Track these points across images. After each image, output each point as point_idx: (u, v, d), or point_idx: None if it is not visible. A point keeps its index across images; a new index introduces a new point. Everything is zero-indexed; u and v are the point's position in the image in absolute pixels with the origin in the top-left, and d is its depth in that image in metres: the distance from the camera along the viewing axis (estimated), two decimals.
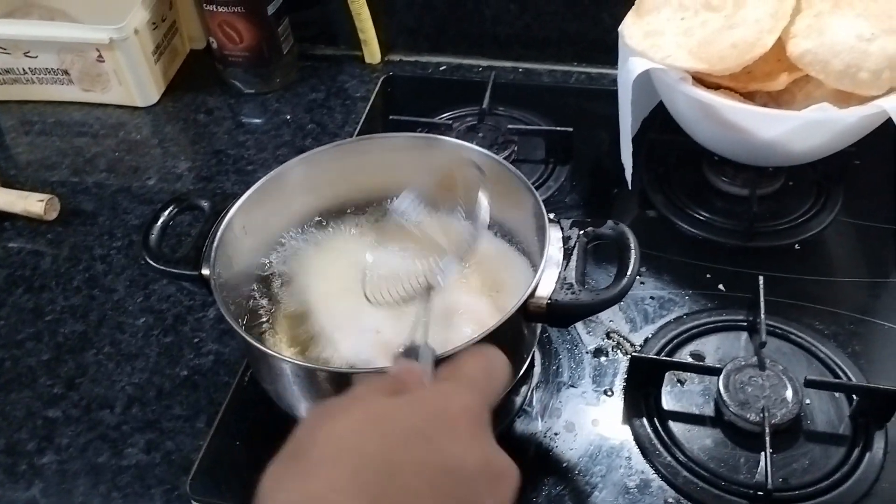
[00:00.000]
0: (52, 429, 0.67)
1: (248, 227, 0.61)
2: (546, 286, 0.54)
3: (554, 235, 0.57)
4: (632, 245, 0.55)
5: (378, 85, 0.98)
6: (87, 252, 0.81)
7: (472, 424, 0.37)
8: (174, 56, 1.01)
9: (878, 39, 0.63)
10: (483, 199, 0.54)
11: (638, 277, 0.72)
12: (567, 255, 0.56)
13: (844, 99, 0.67)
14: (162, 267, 0.59)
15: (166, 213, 0.62)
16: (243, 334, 0.51)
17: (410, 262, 0.59)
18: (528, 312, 0.54)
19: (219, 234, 0.58)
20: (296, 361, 0.51)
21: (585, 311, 0.56)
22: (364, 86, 0.98)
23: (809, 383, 0.61)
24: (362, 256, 0.62)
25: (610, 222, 0.58)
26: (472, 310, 0.59)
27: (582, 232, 0.57)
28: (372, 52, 1.00)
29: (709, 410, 0.63)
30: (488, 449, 0.37)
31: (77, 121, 0.98)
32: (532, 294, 0.53)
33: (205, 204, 0.62)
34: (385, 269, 0.58)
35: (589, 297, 0.53)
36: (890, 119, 0.65)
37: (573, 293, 0.54)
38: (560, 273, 0.55)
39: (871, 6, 0.66)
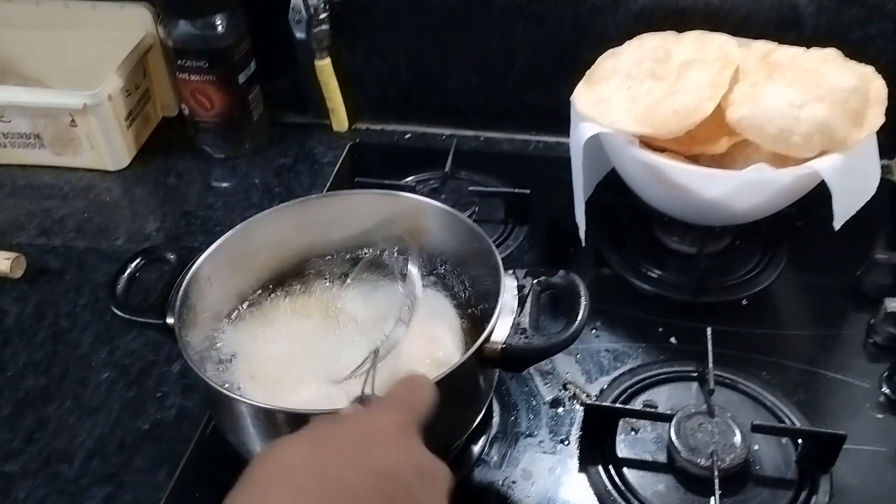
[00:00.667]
0: (8, 483, 0.67)
1: (214, 279, 0.63)
2: (501, 332, 0.56)
3: (509, 284, 0.59)
4: (581, 293, 0.58)
5: (345, 151, 1.02)
6: (51, 308, 0.82)
7: (400, 434, 0.42)
8: (146, 122, 1.04)
9: (808, 106, 0.68)
10: (413, 269, 0.61)
11: (593, 331, 0.76)
12: (521, 302, 0.58)
13: (781, 161, 0.71)
14: (127, 316, 0.60)
15: (133, 264, 0.63)
16: (204, 377, 0.53)
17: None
18: (483, 357, 0.56)
19: (184, 284, 0.60)
20: (255, 403, 0.53)
21: (538, 355, 0.58)
22: (331, 151, 1.02)
23: (756, 428, 0.63)
24: (323, 311, 0.64)
25: (561, 272, 0.60)
26: (432, 358, 0.61)
27: (535, 281, 0.60)
28: (340, 120, 1.04)
29: (661, 457, 0.65)
30: (418, 453, 0.42)
31: (47, 184, 0.99)
32: (487, 339, 0.55)
33: (171, 256, 0.64)
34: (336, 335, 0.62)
35: (542, 342, 0.56)
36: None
37: (527, 338, 0.56)
38: (514, 319, 0.57)
39: (801, 76, 0.71)
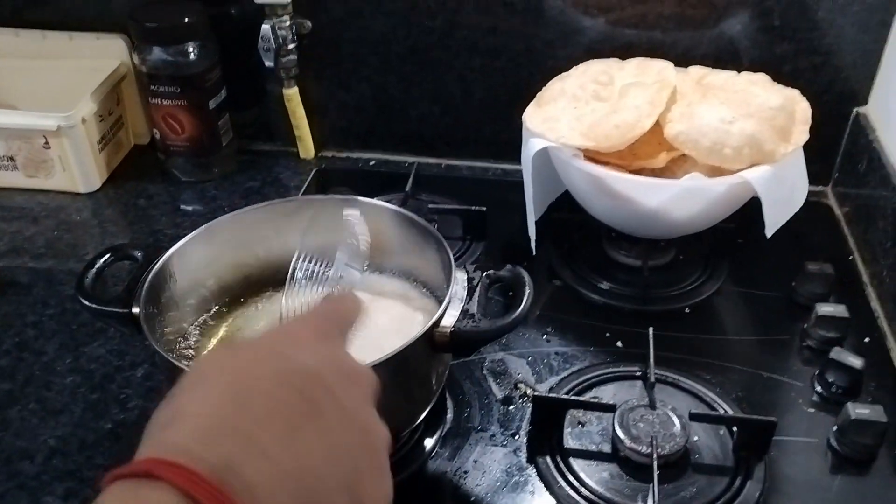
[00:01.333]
0: None
1: (180, 275, 0.66)
2: (450, 318, 0.60)
3: (460, 276, 0.63)
4: (526, 282, 0.61)
5: (311, 175, 1.06)
6: (19, 319, 0.84)
7: (320, 338, 0.42)
8: (118, 148, 1.07)
9: (738, 122, 0.74)
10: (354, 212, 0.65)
11: (544, 336, 0.79)
12: (471, 292, 0.62)
13: (717, 174, 0.76)
14: (94, 305, 0.63)
15: (102, 259, 0.66)
16: (166, 356, 0.55)
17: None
18: (434, 341, 0.59)
19: (150, 276, 0.63)
20: None
21: (485, 338, 0.61)
22: (298, 176, 1.06)
23: (694, 416, 0.67)
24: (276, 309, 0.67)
25: (508, 266, 0.64)
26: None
27: (484, 274, 0.64)
28: (306, 148, 1.09)
29: (606, 447, 0.68)
30: (339, 355, 0.42)
31: (19, 205, 1.02)
32: (437, 323, 0.59)
33: (138, 254, 0.67)
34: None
35: (488, 325, 0.59)
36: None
37: (474, 322, 0.59)
38: (463, 307, 0.61)
39: (732, 96, 0.77)
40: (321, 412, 0.38)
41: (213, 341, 0.66)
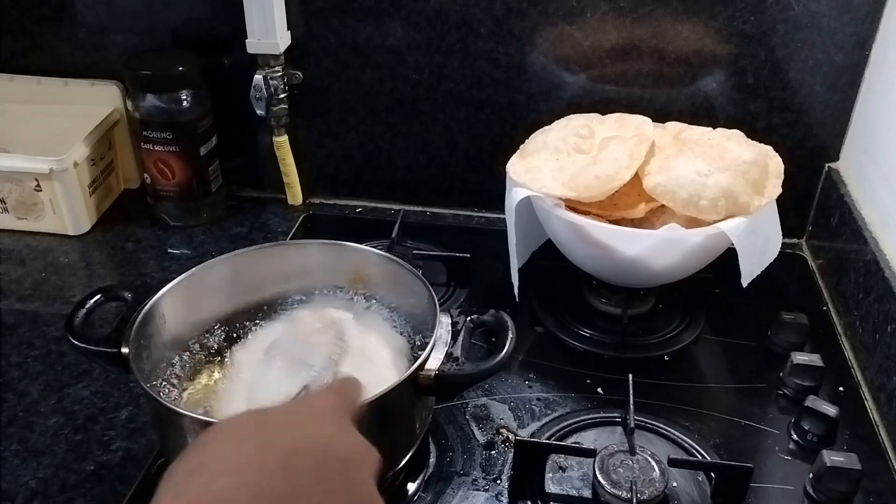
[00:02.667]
0: None
1: (169, 316, 0.67)
2: (435, 361, 0.61)
3: (444, 320, 0.65)
4: (509, 326, 0.63)
5: (299, 221, 1.08)
6: (3, 360, 0.84)
7: (334, 416, 0.46)
8: (108, 192, 1.09)
9: (713, 175, 0.77)
10: (347, 315, 0.68)
11: (526, 382, 0.81)
12: (455, 336, 0.64)
13: (694, 225, 0.79)
14: (83, 345, 0.64)
15: (92, 300, 0.67)
16: (153, 394, 0.56)
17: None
18: (418, 384, 0.60)
19: (140, 317, 0.64)
20: (201, 417, 0.56)
21: (469, 381, 0.63)
22: (286, 222, 1.08)
23: (673, 462, 0.68)
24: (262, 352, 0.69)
25: (492, 310, 0.66)
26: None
27: (468, 318, 0.65)
28: (294, 194, 1.11)
29: (587, 492, 0.69)
30: (351, 432, 0.45)
31: (7, 247, 1.02)
32: (422, 366, 0.60)
33: (128, 295, 0.68)
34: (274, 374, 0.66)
35: (472, 368, 0.61)
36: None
37: (458, 366, 0.61)
38: (448, 350, 0.62)
39: (707, 150, 0.80)
40: (332, 486, 0.41)
41: (202, 381, 0.67)
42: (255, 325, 0.73)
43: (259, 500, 0.37)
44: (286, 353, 0.67)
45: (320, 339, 0.67)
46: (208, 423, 0.56)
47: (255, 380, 0.65)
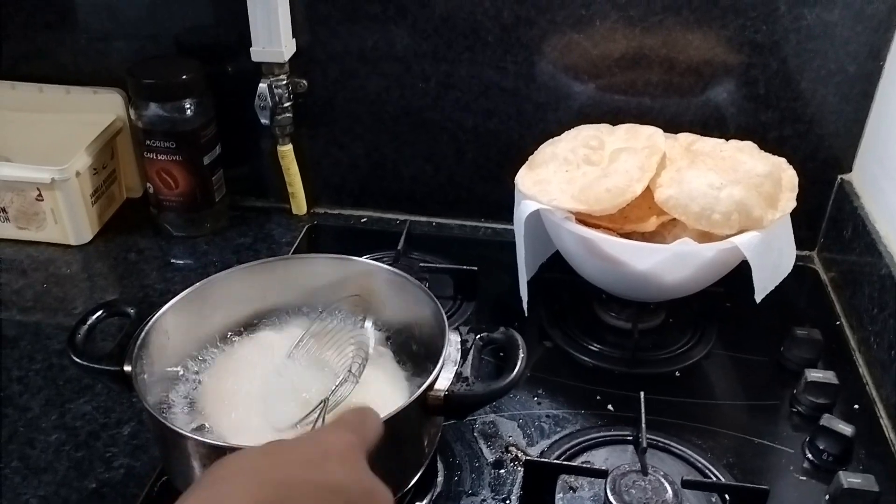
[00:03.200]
0: None
1: (172, 332, 0.66)
2: (444, 381, 0.60)
3: (453, 339, 0.63)
4: (520, 345, 0.62)
5: (303, 231, 1.06)
6: (3, 373, 0.83)
7: (350, 454, 0.44)
8: (111, 202, 1.08)
9: (726, 188, 0.76)
10: (368, 325, 0.64)
11: (535, 398, 0.79)
12: (464, 355, 0.62)
13: (706, 239, 0.78)
14: (85, 363, 0.62)
15: (94, 316, 0.66)
16: (157, 416, 0.55)
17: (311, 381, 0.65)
18: (427, 404, 0.59)
19: (143, 334, 0.63)
20: (205, 440, 0.54)
21: (479, 402, 0.61)
22: (290, 233, 1.07)
23: (686, 484, 0.66)
24: (270, 364, 0.67)
25: (501, 328, 0.65)
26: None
27: (478, 336, 0.64)
28: (299, 204, 1.09)
29: None
30: (365, 473, 0.44)
31: (8, 257, 1.01)
32: (431, 386, 0.59)
33: (131, 310, 0.67)
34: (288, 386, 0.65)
35: (482, 388, 0.59)
36: (749, 264, 0.76)
37: (468, 386, 0.59)
38: (457, 370, 0.61)
39: (720, 163, 0.79)
40: None
41: (208, 400, 0.65)
42: (261, 338, 0.71)
43: None
44: (310, 353, 0.66)
45: (345, 346, 0.66)
46: (212, 447, 0.55)
47: (272, 381, 0.64)
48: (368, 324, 0.65)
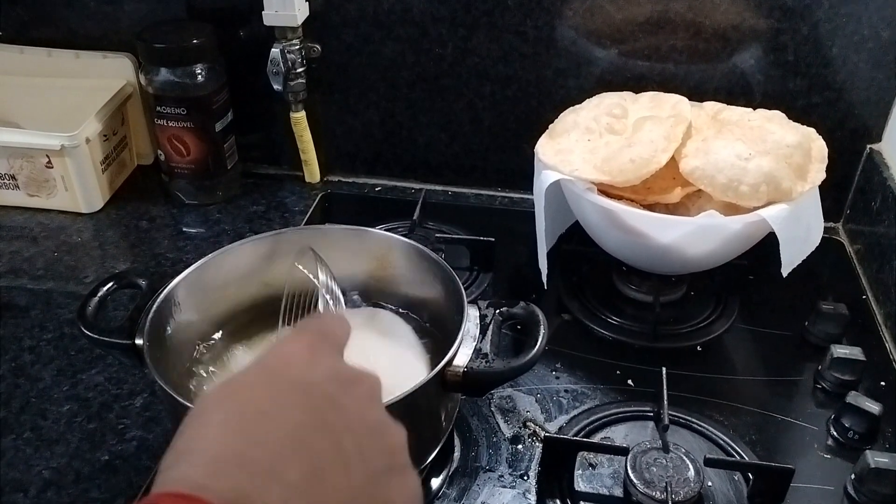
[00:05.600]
0: None
1: (185, 305, 0.64)
2: (463, 357, 0.58)
3: (472, 313, 0.62)
4: (541, 321, 0.60)
5: (316, 200, 1.04)
6: (15, 343, 0.82)
7: (311, 352, 0.41)
8: (122, 168, 1.06)
9: (755, 159, 0.73)
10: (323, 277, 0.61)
11: (553, 372, 0.78)
12: (483, 330, 0.61)
13: (732, 211, 0.75)
14: (96, 336, 0.61)
15: (105, 288, 0.64)
16: (169, 391, 0.53)
17: None
18: (445, 380, 0.57)
19: (155, 306, 0.61)
20: None
21: (499, 379, 0.60)
22: (303, 201, 1.05)
23: (709, 462, 0.65)
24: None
25: (522, 303, 0.63)
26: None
27: (497, 311, 0.62)
28: (312, 172, 1.07)
29: (618, 491, 0.66)
30: (333, 365, 0.41)
31: (19, 224, 1.00)
32: (449, 363, 0.57)
33: (143, 282, 0.65)
34: None
35: (502, 366, 0.58)
36: (776, 237, 0.74)
37: (487, 362, 0.58)
38: (476, 345, 0.59)
39: (748, 132, 0.76)
40: (326, 423, 0.37)
41: (220, 372, 0.64)
42: (276, 311, 0.70)
43: (246, 463, 0.34)
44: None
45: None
46: None
47: None
48: (322, 275, 0.61)
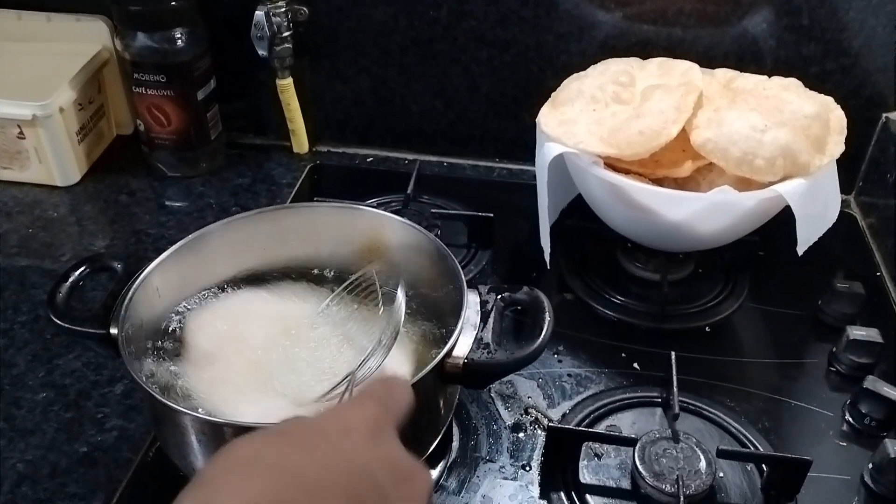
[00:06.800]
0: None
1: (163, 290, 0.60)
2: (463, 347, 0.54)
3: (472, 299, 0.58)
4: (546, 308, 0.56)
5: (305, 172, 1.00)
6: None
7: (374, 430, 0.38)
8: (99, 139, 1.01)
9: (771, 131, 0.69)
10: (400, 295, 0.56)
11: (555, 356, 0.74)
12: (484, 317, 0.57)
13: (744, 186, 0.71)
14: (67, 325, 0.57)
15: (77, 272, 0.60)
16: (148, 388, 0.49)
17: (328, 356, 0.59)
18: (445, 372, 0.54)
19: (131, 293, 0.57)
20: (202, 416, 0.49)
21: (501, 371, 0.56)
22: (291, 173, 1.00)
23: (721, 453, 0.61)
24: (277, 326, 0.61)
25: (525, 288, 0.59)
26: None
27: (499, 297, 0.58)
28: (300, 142, 1.02)
29: (625, 483, 0.63)
30: (393, 451, 0.38)
31: None
32: (449, 353, 0.53)
33: (118, 265, 0.61)
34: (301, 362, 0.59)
35: (504, 357, 0.54)
36: (788, 211, 0.70)
37: (489, 353, 0.54)
38: (477, 335, 0.55)
39: (763, 102, 0.71)
40: None
41: (203, 367, 0.60)
42: (258, 297, 0.66)
43: None
44: (333, 318, 0.61)
45: (374, 317, 0.60)
46: (206, 423, 0.50)
47: (278, 364, 0.58)
48: (400, 291, 0.57)
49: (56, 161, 0.94)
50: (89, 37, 0.98)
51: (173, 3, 0.89)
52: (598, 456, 0.65)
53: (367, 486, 0.35)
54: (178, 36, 0.89)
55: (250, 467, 0.33)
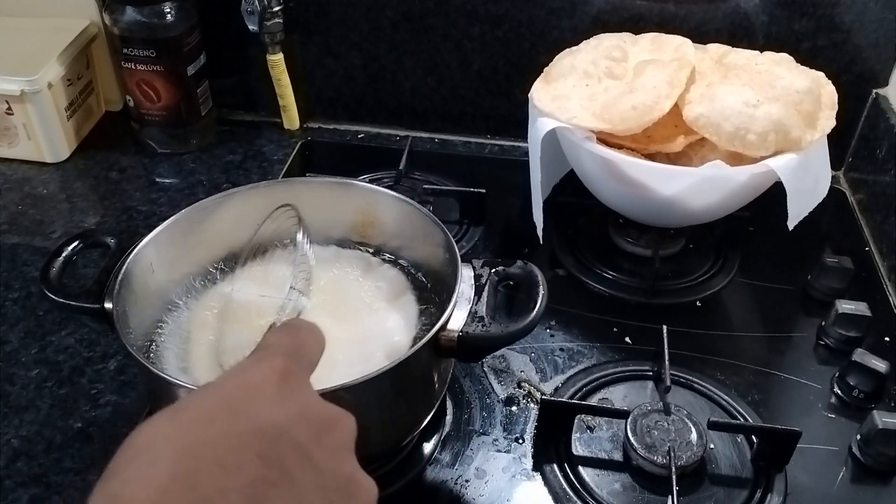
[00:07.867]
0: None
1: (157, 265, 0.60)
2: (457, 320, 0.55)
3: (466, 273, 0.58)
4: (539, 282, 0.56)
5: (296, 149, 0.99)
6: None
7: (281, 385, 0.35)
8: (88, 115, 1.00)
9: (763, 106, 0.69)
10: (300, 237, 0.55)
11: (548, 330, 0.74)
12: (478, 291, 0.57)
13: (736, 161, 0.71)
14: (61, 300, 0.57)
15: (70, 247, 0.60)
16: (143, 361, 0.49)
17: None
18: (439, 346, 0.54)
19: (125, 267, 0.57)
20: (195, 387, 0.49)
21: (495, 344, 0.56)
22: (282, 150, 1.00)
23: (712, 425, 0.62)
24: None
25: (519, 262, 0.59)
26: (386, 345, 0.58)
27: (493, 270, 0.59)
28: (291, 118, 1.02)
29: (617, 455, 0.64)
30: (308, 402, 0.36)
31: None
32: (443, 327, 0.54)
33: (111, 241, 0.61)
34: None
35: (499, 330, 0.54)
36: (778, 186, 0.70)
37: (483, 326, 0.54)
38: (471, 308, 0.55)
39: (756, 77, 0.71)
40: (291, 477, 0.32)
41: (196, 339, 0.60)
42: (250, 271, 0.66)
43: None
44: (254, 275, 0.60)
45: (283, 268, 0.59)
46: None
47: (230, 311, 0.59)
48: (300, 234, 0.54)
49: (45, 137, 0.93)
50: (77, 11, 0.97)
51: None
52: (591, 429, 0.66)
53: (284, 445, 0.33)
54: (168, 10, 0.88)
55: (153, 451, 0.31)
